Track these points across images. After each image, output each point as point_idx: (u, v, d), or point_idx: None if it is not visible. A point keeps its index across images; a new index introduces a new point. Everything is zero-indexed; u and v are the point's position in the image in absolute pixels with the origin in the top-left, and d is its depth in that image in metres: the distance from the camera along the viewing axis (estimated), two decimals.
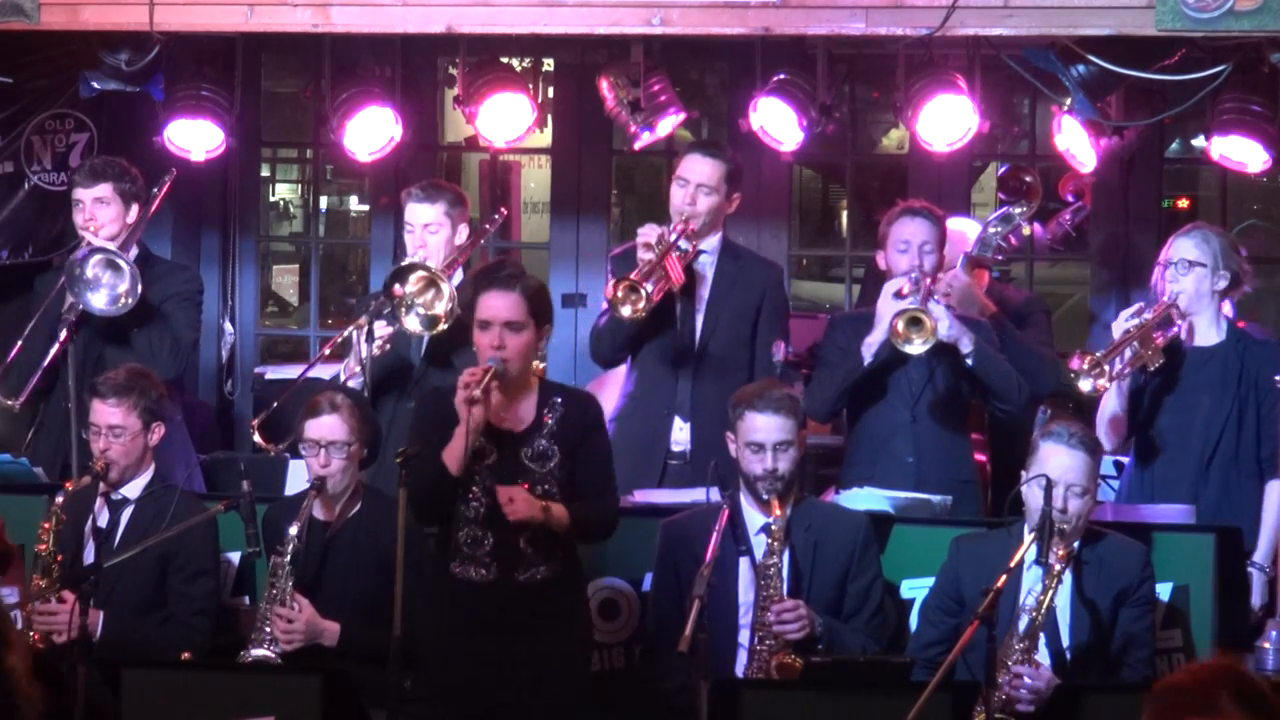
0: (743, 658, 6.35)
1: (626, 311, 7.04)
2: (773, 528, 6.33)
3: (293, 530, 6.41)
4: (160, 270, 7.76)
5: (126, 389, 6.72)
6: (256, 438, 7.47)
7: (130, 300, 7.46)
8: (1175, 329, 6.90)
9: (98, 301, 7.48)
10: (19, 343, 7.63)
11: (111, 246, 7.52)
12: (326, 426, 6.54)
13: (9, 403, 7.66)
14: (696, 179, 7.29)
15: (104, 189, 7.60)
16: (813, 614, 6.30)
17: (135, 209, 7.68)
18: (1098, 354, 6.78)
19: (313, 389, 7.18)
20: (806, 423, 6.59)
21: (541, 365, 6.88)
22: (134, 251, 7.61)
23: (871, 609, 6.46)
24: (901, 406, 7.20)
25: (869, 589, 6.46)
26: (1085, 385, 6.78)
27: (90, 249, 7.48)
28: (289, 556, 6.39)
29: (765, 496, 6.37)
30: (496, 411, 6.02)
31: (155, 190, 7.85)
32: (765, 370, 7.24)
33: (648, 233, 7.18)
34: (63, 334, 7.49)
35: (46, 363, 7.56)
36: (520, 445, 6.02)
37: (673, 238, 7.15)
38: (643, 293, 7.01)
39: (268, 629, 6.37)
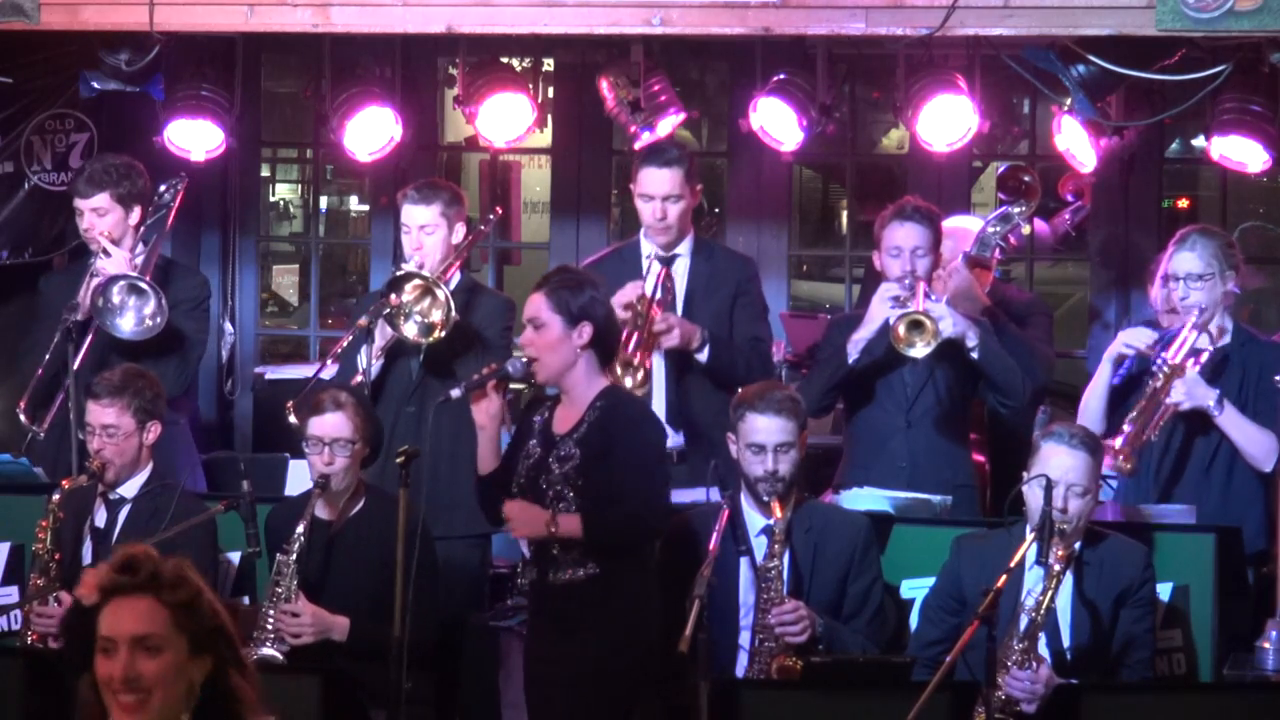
0: (743, 659, 6.35)
1: (629, 384, 6.95)
2: (773, 529, 6.33)
3: (299, 528, 6.40)
4: (168, 275, 7.74)
5: (120, 389, 6.72)
6: (293, 418, 7.19)
7: (158, 321, 7.44)
8: (1209, 350, 6.86)
9: (126, 325, 7.47)
10: (39, 369, 7.59)
11: (133, 272, 7.49)
12: (330, 424, 6.54)
13: (35, 428, 7.63)
14: (660, 191, 7.27)
15: (101, 199, 7.59)
16: (813, 614, 6.30)
17: (138, 210, 7.67)
18: (1128, 435, 6.72)
19: (316, 389, 7.18)
20: (808, 424, 6.59)
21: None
22: (140, 251, 7.60)
23: (871, 611, 6.45)
24: (896, 411, 7.20)
25: (869, 591, 6.46)
26: (1129, 467, 6.75)
27: (109, 278, 7.45)
28: (294, 555, 6.38)
29: (765, 498, 6.37)
30: (558, 414, 6.09)
31: (168, 196, 7.84)
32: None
33: (627, 293, 7.13)
34: (79, 353, 7.46)
35: (69, 380, 7.55)
36: (555, 447, 6.04)
37: (652, 291, 7.15)
38: (638, 365, 6.96)
39: (271, 627, 6.37)
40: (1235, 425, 6.81)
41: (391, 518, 6.11)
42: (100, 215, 7.60)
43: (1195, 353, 6.79)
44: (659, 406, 7.28)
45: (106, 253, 7.53)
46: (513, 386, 7.25)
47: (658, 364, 7.31)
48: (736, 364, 7.23)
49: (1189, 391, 6.75)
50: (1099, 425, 6.87)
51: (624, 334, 6.98)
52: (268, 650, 6.34)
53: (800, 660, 6.18)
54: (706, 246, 7.54)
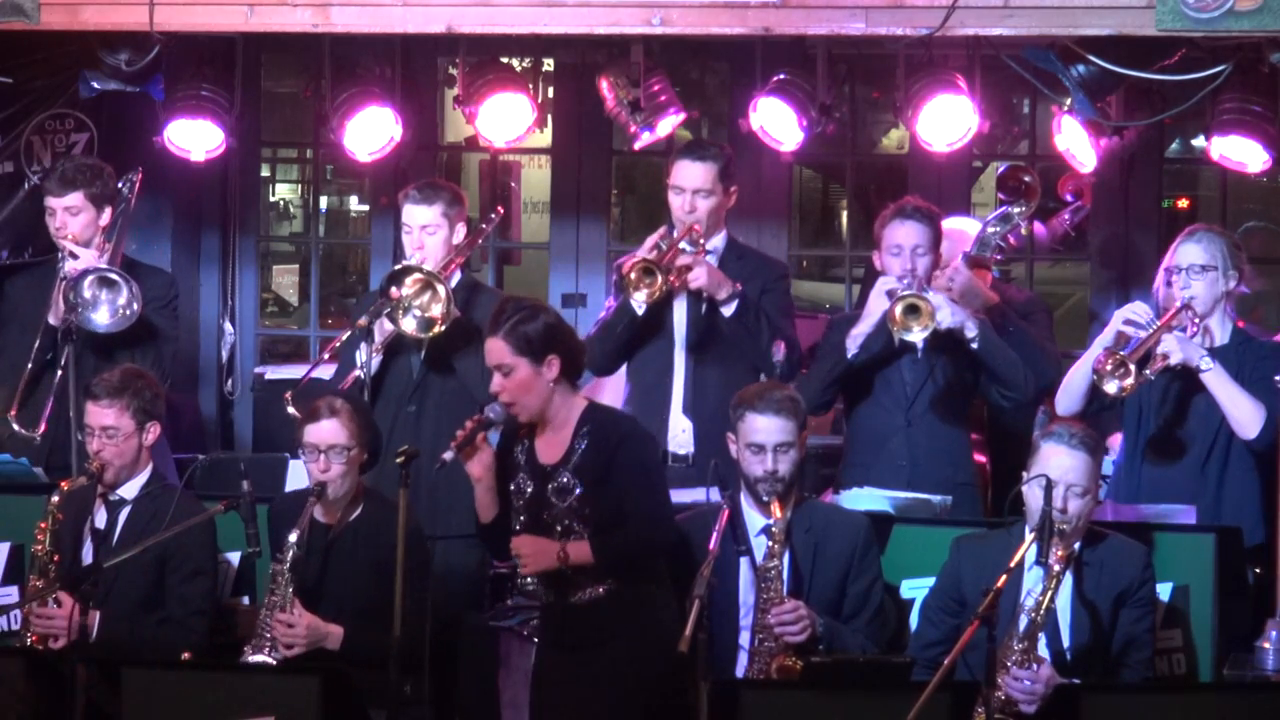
0: (743, 659, 6.35)
1: (642, 296, 7.02)
2: (773, 529, 6.33)
3: (292, 537, 6.39)
4: (135, 274, 7.71)
5: (119, 390, 6.72)
6: (291, 409, 7.22)
7: (133, 309, 7.46)
8: (1193, 331, 6.87)
9: (101, 319, 7.49)
10: (26, 370, 7.60)
11: (103, 264, 7.51)
12: (326, 431, 6.53)
13: (28, 433, 7.62)
14: (691, 185, 7.27)
15: (74, 198, 7.61)
16: (813, 614, 6.30)
17: (108, 212, 7.68)
18: (1122, 353, 6.73)
19: (318, 391, 7.19)
20: (808, 423, 6.59)
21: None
22: (106, 249, 7.61)
23: (871, 611, 6.45)
24: (896, 409, 7.20)
25: (869, 591, 6.46)
26: (1111, 387, 6.72)
27: (81, 271, 7.46)
28: (288, 564, 6.38)
29: (765, 498, 6.36)
30: (541, 444, 6.05)
31: (125, 189, 7.85)
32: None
33: (650, 241, 7.18)
34: (69, 350, 7.46)
35: (54, 389, 7.53)
36: (549, 479, 6.01)
37: (678, 236, 7.15)
38: (658, 275, 7.00)
39: (268, 635, 6.36)
40: (1221, 385, 6.80)
41: (389, 522, 6.12)
42: (73, 214, 7.62)
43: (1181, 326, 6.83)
44: (676, 397, 7.29)
45: (74, 255, 7.55)
46: None
47: (677, 354, 7.31)
48: (762, 333, 7.20)
49: (1179, 345, 6.77)
50: (1078, 402, 6.89)
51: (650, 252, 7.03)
52: (261, 657, 6.34)
53: (800, 660, 6.17)
54: (738, 247, 7.54)
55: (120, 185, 7.86)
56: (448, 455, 5.98)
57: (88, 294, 7.49)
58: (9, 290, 7.95)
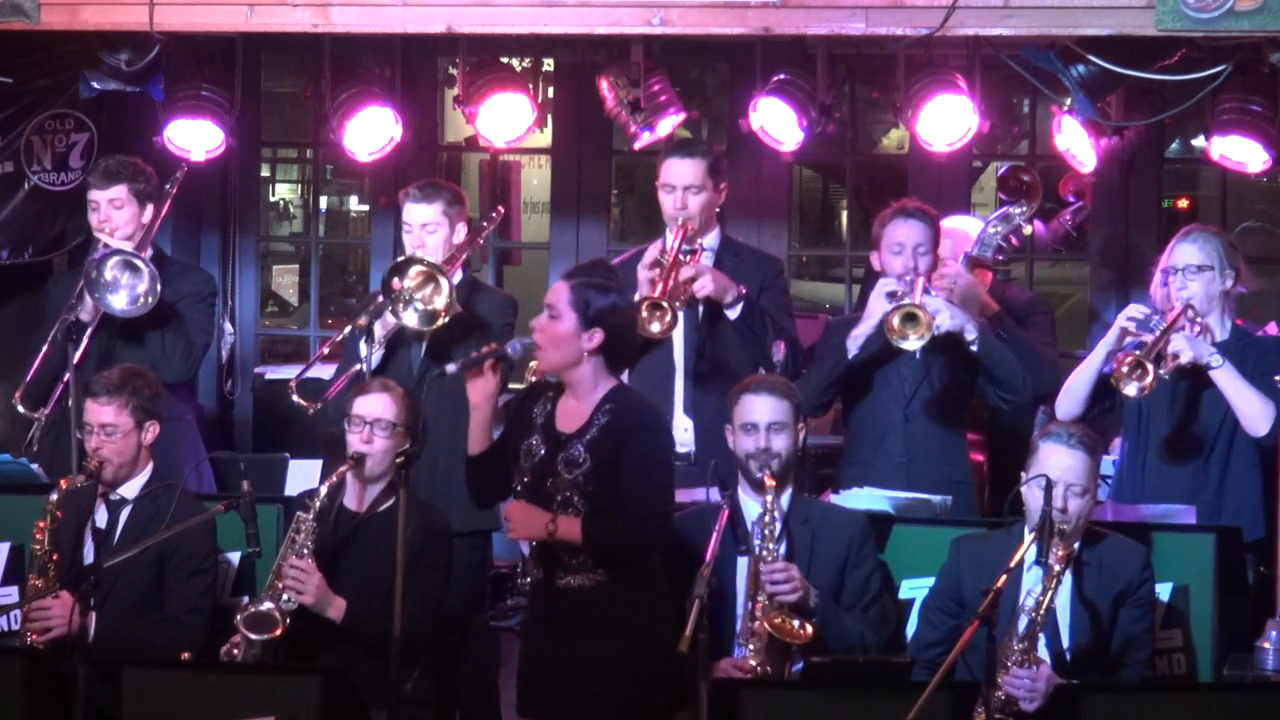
0: (740, 653, 6.34)
1: (656, 328, 6.99)
2: (767, 500, 6.30)
3: (323, 489, 6.41)
4: (174, 271, 7.76)
5: (119, 388, 6.71)
6: (296, 396, 7.33)
7: (150, 300, 7.47)
8: (1196, 331, 6.87)
9: (118, 303, 7.49)
10: (41, 352, 7.60)
11: (128, 247, 7.53)
12: (375, 403, 6.55)
13: (34, 415, 7.62)
14: (681, 182, 7.26)
15: (119, 191, 7.61)
16: (807, 584, 6.28)
17: (150, 209, 7.69)
18: (1137, 353, 6.73)
19: (320, 388, 7.21)
20: (807, 422, 6.59)
21: None
22: (149, 252, 7.62)
23: (869, 599, 6.45)
24: (894, 405, 7.22)
25: (867, 580, 6.46)
26: (1130, 389, 6.70)
27: (106, 251, 7.48)
28: (314, 513, 6.38)
29: (758, 474, 6.34)
30: (562, 410, 5.97)
31: (168, 188, 7.86)
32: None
33: (651, 252, 7.16)
34: (79, 350, 7.46)
35: (68, 376, 7.54)
36: (562, 448, 5.92)
37: (675, 244, 7.13)
38: (667, 307, 6.97)
39: (279, 582, 6.36)
40: (1231, 382, 6.81)
41: (418, 520, 6.12)
42: (117, 207, 7.61)
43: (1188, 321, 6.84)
44: (677, 396, 7.28)
45: (107, 247, 7.55)
46: (513, 387, 7.25)
47: (677, 353, 7.30)
48: (767, 333, 7.19)
49: (1189, 343, 6.77)
50: (1080, 406, 6.89)
51: (654, 288, 6.99)
52: (268, 605, 6.33)
53: (793, 620, 6.15)
54: (734, 245, 7.52)
55: (166, 185, 7.87)
56: (451, 367, 5.95)
57: (109, 275, 7.50)
58: (52, 290, 7.95)
